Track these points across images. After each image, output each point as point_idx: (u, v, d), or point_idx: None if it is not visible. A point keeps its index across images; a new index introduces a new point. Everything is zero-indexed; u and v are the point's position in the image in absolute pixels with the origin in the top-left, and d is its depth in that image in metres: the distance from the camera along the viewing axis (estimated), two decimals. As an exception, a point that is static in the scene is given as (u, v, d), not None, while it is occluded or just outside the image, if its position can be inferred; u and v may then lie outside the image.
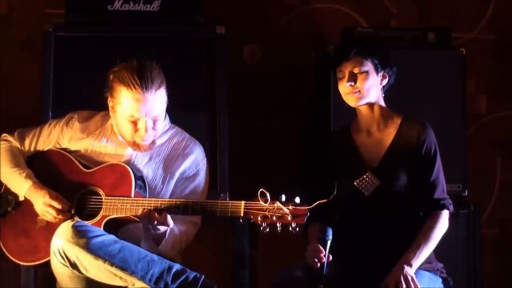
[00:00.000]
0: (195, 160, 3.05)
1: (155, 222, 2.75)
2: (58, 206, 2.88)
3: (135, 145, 2.97)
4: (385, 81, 3.00)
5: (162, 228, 2.80)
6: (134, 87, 2.85)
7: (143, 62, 2.91)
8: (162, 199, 2.83)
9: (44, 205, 2.90)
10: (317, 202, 2.60)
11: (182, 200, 2.81)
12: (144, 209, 2.77)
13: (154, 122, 2.93)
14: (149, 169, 3.00)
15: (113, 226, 2.83)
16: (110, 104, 2.98)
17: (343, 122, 3.12)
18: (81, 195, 2.92)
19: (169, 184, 3.00)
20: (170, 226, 2.79)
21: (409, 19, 4.07)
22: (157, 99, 2.90)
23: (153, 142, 2.98)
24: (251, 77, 3.97)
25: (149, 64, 2.91)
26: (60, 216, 2.88)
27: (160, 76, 2.91)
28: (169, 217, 2.77)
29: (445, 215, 2.90)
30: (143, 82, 2.85)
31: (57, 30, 3.51)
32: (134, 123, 2.92)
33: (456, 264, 3.47)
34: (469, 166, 3.62)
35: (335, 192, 2.67)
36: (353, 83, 2.94)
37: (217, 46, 3.53)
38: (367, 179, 2.92)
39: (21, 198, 2.97)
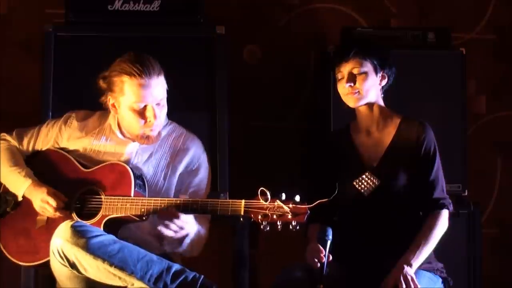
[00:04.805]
0: (196, 153, 3.06)
1: (173, 226, 2.76)
2: (54, 203, 2.88)
3: (144, 138, 2.97)
4: (384, 81, 3.00)
5: (179, 233, 2.80)
6: (138, 74, 2.87)
7: (138, 53, 2.94)
8: (162, 198, 2.82)
9: (41, 201, 2.90)
10: (318, 201, 2.60)
11: (182, 199, 2.81)
12: (162, 205, 2.77)
13: (160, 110, 2.94)
14: (150, 166, 3.00)
15: (112, 226, 2.83)
16: (110, 102, 2.98)
17: (343, 122, 3.12)
18: (81, 195, 2.92)
19: (171, 179, 3.00)
20: (187, 232, 2.81)
21: (409, 19, 4.07)
22: (160, 83, 2.92)
23: (159, 134, 2.99)
24: (251, 77, 3.97)
25: (145, 54, 2.93)
26: (57, 213, 2.87)
27: (157, 64, 2.93)
28: (186, 221, 2.77)
29: (444, 214, 2.89)
30: (145, 68, 2.87)
31: (57, 30, 3.51)
32: (141, 113, 2.92)
33: (456, 264, 3.46)
34: (469, 166, 3.61)
35: (335, 192, 2.67)
36: (352, 84, 2.94)
37: (217, 46, 3.52)
38: (366, 179, 2.92)
39: (20, 198, 2.97)
